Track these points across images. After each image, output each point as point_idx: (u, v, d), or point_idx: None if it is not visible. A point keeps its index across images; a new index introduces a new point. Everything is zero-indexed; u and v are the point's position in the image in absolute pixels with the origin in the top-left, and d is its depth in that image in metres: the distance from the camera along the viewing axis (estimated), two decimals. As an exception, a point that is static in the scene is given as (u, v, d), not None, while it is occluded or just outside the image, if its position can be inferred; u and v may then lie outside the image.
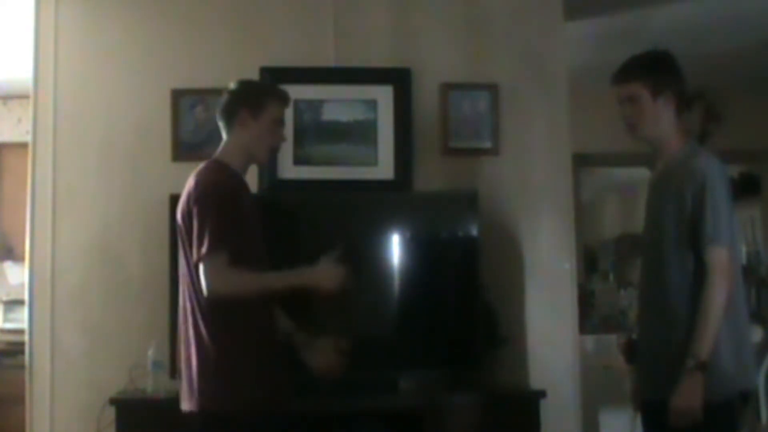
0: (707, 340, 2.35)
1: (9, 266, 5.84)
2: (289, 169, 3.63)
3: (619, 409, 4.69)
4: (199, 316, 2.47)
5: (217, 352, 2.44)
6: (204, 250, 2.40)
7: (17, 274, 5.49)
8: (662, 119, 2.59)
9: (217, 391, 2.44)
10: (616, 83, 2.64)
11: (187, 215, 2.51)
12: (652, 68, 2.62)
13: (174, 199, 3.40)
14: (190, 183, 2.56)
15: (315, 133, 3.67)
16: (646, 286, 2.70)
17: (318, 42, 3.77)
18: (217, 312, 2.45)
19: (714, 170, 2.48)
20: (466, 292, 3.48)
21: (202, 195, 2.48)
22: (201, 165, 2.62)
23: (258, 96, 2.65)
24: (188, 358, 2.50)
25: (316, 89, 3.70)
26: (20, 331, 4.09)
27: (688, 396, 2.33)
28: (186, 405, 2.51)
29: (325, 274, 2.52)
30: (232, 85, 2.69)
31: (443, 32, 3.82)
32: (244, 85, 2.70)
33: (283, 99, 2.71)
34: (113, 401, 3.28)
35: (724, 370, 2.38)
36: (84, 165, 3.66)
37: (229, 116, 2.62)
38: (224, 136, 2.66)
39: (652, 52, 2.67)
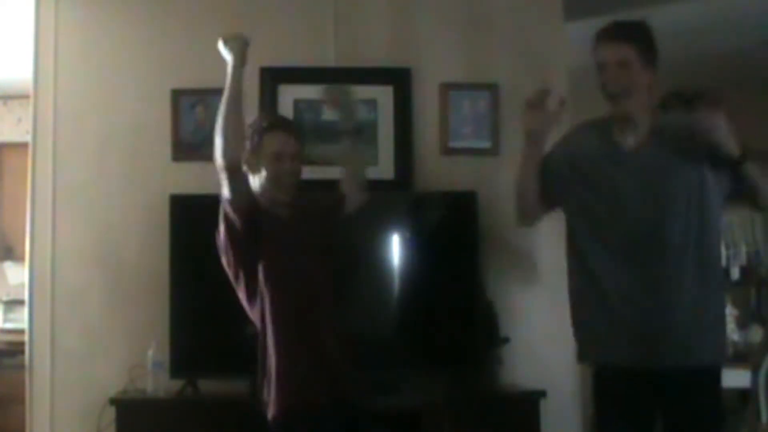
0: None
1: (9, 266, 5.85)
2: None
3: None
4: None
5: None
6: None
7: (17, 274, 5.49)
8: (649, 92, 2.47)
9: None
10: (606, 42, 2.43)
11: None
12: (645, 35, 2.46)
13: (174, 199, 3.43)
14: None
15: (315, 133, 3.67)
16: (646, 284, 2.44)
17: (318, 42, 3.77)
18: None
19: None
20: (466, 292, 3.49)
21: None
22: None
23: (252, 134, 2.62)
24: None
25: (316, 89, 3.69)
26: (20, 331, 4.09)
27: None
28: None
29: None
30: None
31: (443, 32, 3.82)
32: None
33: (264, 129, 2.64)
34: (113, 401, 3.28)
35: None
36: (84, 165, 3.66)
37: None
38: None
39: (638, 21, 2.50)
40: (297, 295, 2.56)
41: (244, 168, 2.58)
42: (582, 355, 2.60)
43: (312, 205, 2.74)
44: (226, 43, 2.60)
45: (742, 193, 2.45)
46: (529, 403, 3.36)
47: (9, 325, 5.61)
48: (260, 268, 2.54)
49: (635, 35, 2.42)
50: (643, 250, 2.40)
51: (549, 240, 3.78)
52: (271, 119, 2.76)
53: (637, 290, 2.40)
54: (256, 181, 2.62)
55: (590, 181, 2.51)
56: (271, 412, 2.51)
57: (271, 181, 2.60)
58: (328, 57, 3.76)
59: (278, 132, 2.63)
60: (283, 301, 2.54)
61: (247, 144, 2.58)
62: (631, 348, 2.40)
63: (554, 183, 2.60)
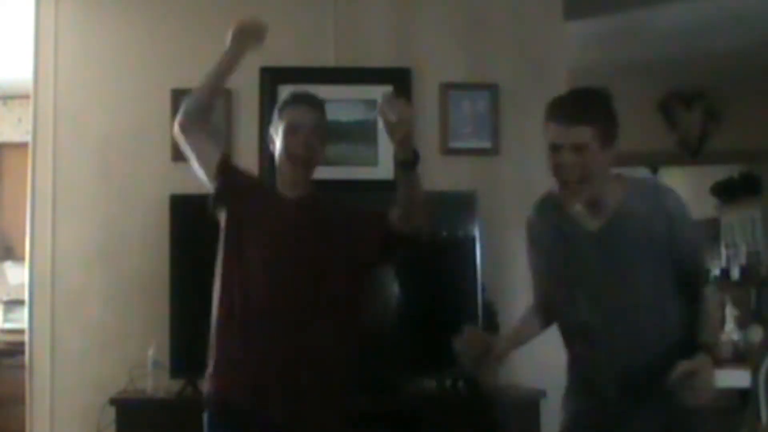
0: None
1: (9, 266, 5.85)
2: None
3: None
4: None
5: None
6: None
7: (17, 274, 5.49)
8: (606, 173, 2.19)
9: None
10: (560, 123, 2.13)
11: None
12: (606, 113, 2.17)
13: (174, 199, 3.43)
14: None
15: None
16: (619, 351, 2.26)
17: (318, 42, 3.77)
18: None
19: (685, 206, 2.26)
20: (466, 292, 3.48)
21: None
22: None
23: (275, 111, 2.59)
24: None
25: (315, 89, 3.67)
26: (20, 331, 4.09)
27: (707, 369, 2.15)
28: None
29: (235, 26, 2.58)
30: None
31: (443, 32, 3.82)
32: None
33: (285, 103, 2.57)
34: (113, 401, 3.28)
35: None
36: (84, 165, 3.66)
37: None
38: None
39: (599, 90, 2.22)
40: (264, 286, 2.38)
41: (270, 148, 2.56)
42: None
43: (339, 205, 2.55)
44: (241, 33, 2.59)
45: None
46: (529, 403, 3.36)
47: (9, 325, 5.61)
48: (236, 235, 2.42)
49: (598, 114, 2.14)
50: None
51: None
52: (292, 94, 2.63)
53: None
54: (278, 158, 2.51)
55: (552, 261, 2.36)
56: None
57: (283, 155, 2.48)
58: (328, 57, 3.76)
59: (295, 105, 2.54)
60: (246, 284, 2.39)
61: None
62: None
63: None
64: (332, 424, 2.42)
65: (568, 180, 2.16)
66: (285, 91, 3.66)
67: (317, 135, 2.52)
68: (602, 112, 2.16)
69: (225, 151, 2.68)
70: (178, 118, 2.55)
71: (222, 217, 2.49)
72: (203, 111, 2.56)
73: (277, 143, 2.51)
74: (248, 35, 2.60)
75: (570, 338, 2.41)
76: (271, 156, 2.61)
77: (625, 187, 2.24)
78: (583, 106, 2.15)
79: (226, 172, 2.50)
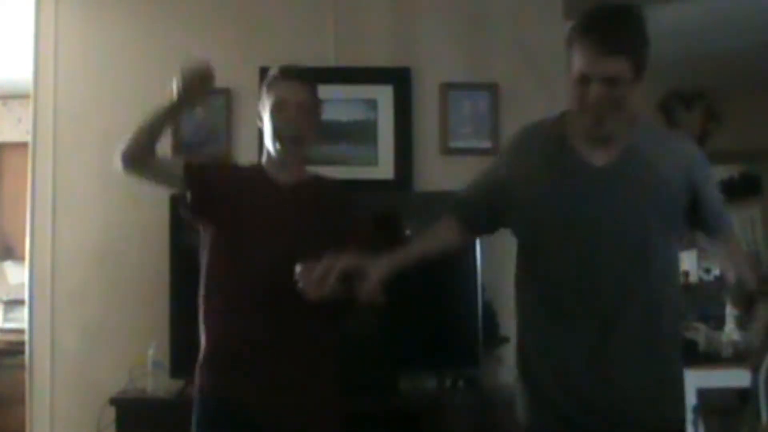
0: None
1: (9, 266, 5.86)
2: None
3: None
4: None
5: None
6: None
7: (17, 274, 5.50)
8: (635, 107, 2.00)
9: None
10: (593, 50, 1.90)
11: None
12: (643, 38, 1.95)
13: (174, 199, 3.42)
14: None
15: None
16: (613, 301, 2.00)
17: (318, 42, 3.77)
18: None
19: (699, 149, 2.15)
20: (466, 292, 3.48)
21: None
22: None
23: (262, 87, 2.46)
24: None
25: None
26: (20, 331, 4.09)
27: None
28: None
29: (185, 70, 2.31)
30: None
31: (443, 32, 3.82)
32: None
33: (273, 78, 2.42)
34: (113, 401, 3.28)
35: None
36: (84, 165, 3.66)
37: None
38: None
39: (633, 8, 1.97)
40: (249, 276, 2.30)
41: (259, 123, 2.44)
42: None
43: (334, 193, 2.44)
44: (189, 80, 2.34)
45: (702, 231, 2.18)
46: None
47: (9, 325, 5.62)
48: (217, 220, 2.35)
49: (635, 41, 1.93)
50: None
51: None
52: (279, 68, 2.45)
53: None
54: (266, 137, 2.41)
55: (549, 204, 2.04)
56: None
57: (271, 134, 2.37)
58: (328, 57, 3.76)
59: (282, 80, 2.40)
60: (228, 266, 2.33)
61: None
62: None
63: (505, 202, 2.12)
64: (319, 414, 2.36)
65: (597, 115, 1.93)
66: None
67: (306, 111, 2.39)
68: (639, 37, 1.93)
69: (186, 161, 2.47)
70: (118, 156, 2.37)
71: (203, 223, 2.41)
72: (144, 153, 2.37)
73: (265, 121, 2.41)
74: (196, 81, 2.35)
75: (537, 305, 2.08)
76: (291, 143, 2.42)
77: (637, 123, 2.05)
78: (620, 31, 1.91)
79: (194, 183, 2.38)
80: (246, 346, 2.32)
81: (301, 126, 2.38)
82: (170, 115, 2.40)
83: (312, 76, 2.46)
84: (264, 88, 2.44)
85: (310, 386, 2.35)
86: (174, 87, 2.36)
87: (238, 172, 2.53)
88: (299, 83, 2.40)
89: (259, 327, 2.31)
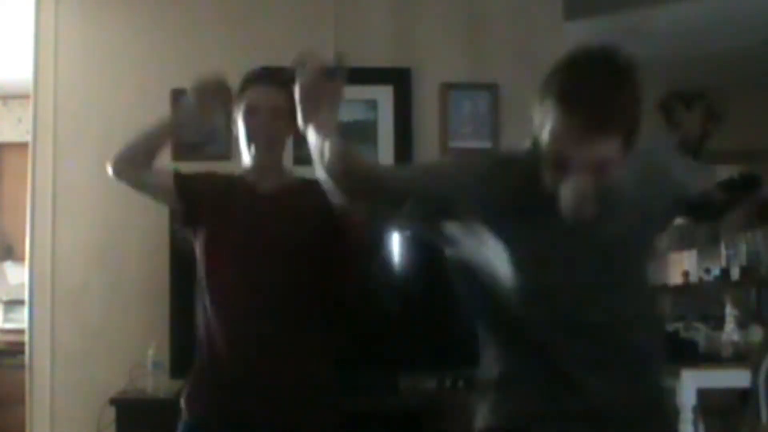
0: None
1: (9, 266, 5.85)
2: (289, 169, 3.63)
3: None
4: None
5: None
6: None
7: (17, 274, 5.50)
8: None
9: None
10: (577, 129, 1.49)
11: None
12: (638, 101, 1.55)
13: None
14: None
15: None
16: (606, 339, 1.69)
17: (318, 42, 3.77)
18: None
19: (671, 151, 1.95)
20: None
21: None
22: None
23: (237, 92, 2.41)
24: None
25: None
26: (20, 331, 4.10)
27: None
28: None
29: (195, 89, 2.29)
30: None
31: (443, 32, 3.82)
32: None
33: (245, 82, 2.37)
34: (113, 401, 3.28)
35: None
36: (84, 165, 3.66)
37: None
38: None
39: (626, 65, 1.59)
40: (236, 281, 2.27)
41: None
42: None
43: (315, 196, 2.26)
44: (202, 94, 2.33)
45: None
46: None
47: (9, 325, 5.62)
48: (204, 231, 2.31)
49: (626, 113, 1.54)
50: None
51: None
52: (253, 71, 2.41)
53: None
54: (241, 143, 2.36)
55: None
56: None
57: (245, 140, 2.33)
58: (328, 57, 3.75)
59: (255, 85, 2.35)
60: (217, 276, 2.29)
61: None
62: None
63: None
64: (313, 416, 2.33)
65: (582, 204, 1.54)
66: (285, 91, 3.70)
67: (280, 116, 2.31)
68: (636, 102, 1.53)
69: (174, 170, 2.46)
70: (110, 165, 2.38)
71: (193, 233, 2.38)
72: (138, 169, 2.39)
73: (239, 126, 2.36)
74: (210, 96, 2.34)
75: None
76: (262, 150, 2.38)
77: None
78: (615, 101, 1.49)
79: (184, 193, 2.37)
80: (240, 353, 2.28)
81: (274, 131, 2.33)
82: (170, 132, 2.44)
83: (288, 79, 2.31)
84: (237, 92, 2.38)
85: (305, 388, 2.32)
86: (186, 102, 2.36)
87: (222, 182, 2.44)
88: (273, 87, 2.34)
89: (252, 337, 2.26)
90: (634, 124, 1.54)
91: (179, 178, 2.40)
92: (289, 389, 2.29)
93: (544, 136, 1.60)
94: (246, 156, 2.37)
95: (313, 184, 2.17)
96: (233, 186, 2.40)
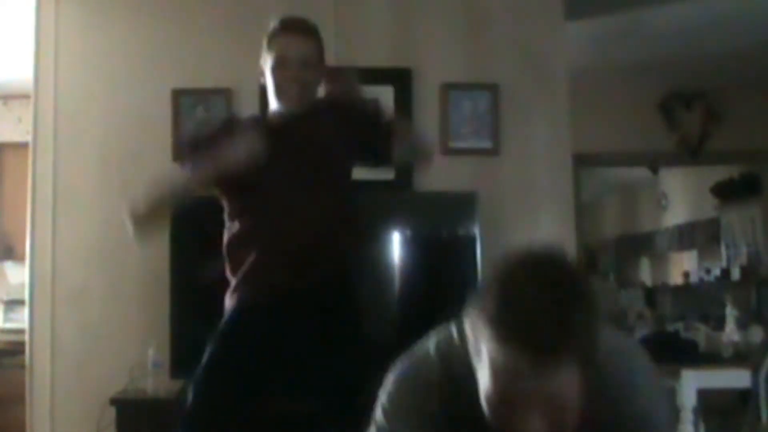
0: None
1: (9, 266, 5.85)
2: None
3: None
4: None
5: None
6: None
7: (17, 274, 5.49)
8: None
9: None
10: (526, 363, 1.21)
11: None
12: (589, 331, 1.27)
13: (174, 199, 3.42)
14: None
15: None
16: None
17: (318, 42, 3.77)
18: None
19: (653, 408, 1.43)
20: (466, 293, 3.48)
21: None
22: None
23: (264, 41, 2.42)
24: None
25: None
26: (20, 331, 4.09)
27: None
28: None
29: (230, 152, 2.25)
30: None
31: (443, 32, 3.82)
32: None
33: (273, 32, 2.39)
34: (113, 401, 3.28)
35: None
36: (84, 165, 3.66)
37: None
38: None
39: (576, 282, 1.28)
40: (273, 198, 2.34)
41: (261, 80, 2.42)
42: None
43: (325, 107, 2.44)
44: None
45: None
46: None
47: (9, 325, 5.60)
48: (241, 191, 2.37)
49: (576, 347, 1.25)
50: None
51: (549, 240, 3.78)
52: (281, 20, 2.42)
53: None
54: (269, 93, 2.40)
55: None
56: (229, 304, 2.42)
57: (275, 91, 2.36)
58: (328, 57, 3.75)
59: (284, 35, 2.36)
60: (256, 201, 2.36)
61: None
62: None
63: None
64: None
65: None
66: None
67: (310, 66, 2.36)
68: (587, 334, 1.25)
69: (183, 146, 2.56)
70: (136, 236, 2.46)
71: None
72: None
73: (267, 77, 2.37)
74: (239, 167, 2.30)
75: None
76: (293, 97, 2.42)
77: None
78: (561, 337, 1.21)
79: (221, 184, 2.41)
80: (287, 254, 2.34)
81: (305, 82, 2.36)
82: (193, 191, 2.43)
83: (314, 28, 2.41)
84: (264, 44, 2.39)
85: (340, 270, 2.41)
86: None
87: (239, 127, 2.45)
88: (302, 36, 2.37)
89: (296, 225, 2.32)
90: (589, 352, 1.25)
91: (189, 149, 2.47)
92: (329, 271, 2.36)
93: (482, 372, 1.29)
94: (275, 106, 2.39)
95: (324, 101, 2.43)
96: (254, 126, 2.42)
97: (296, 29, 2.37)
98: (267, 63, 2.37)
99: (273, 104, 2.41)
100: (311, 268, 2.34)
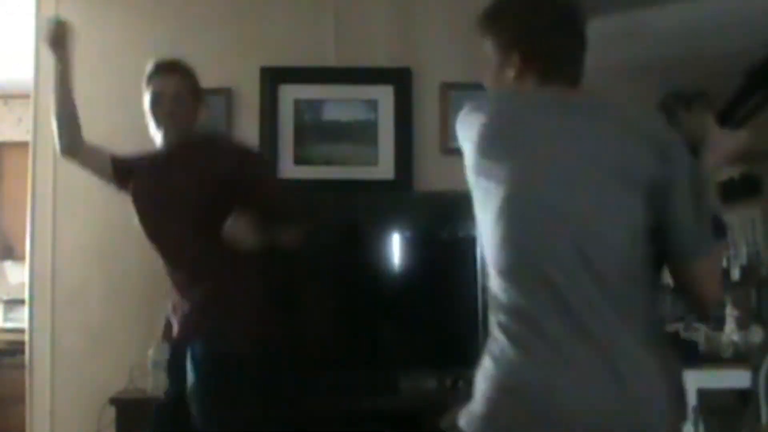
0: None
1: (9, 266, 5.86)
2: (289, 170, 3.63)
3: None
4: None
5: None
6: None
7: (17, 274, 5.50)
8: None
9: None
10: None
11: None
12: None
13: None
14: None
15: (315, 133, 3.67)
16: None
17: (318, 42, 3.77)
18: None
19: None
20: (466, 292, 3.48)
21: None
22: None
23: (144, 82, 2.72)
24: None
25: (316, 89, 3.70)
26: (20, 331, 4.09)
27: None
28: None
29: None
30: None
31: (443, 32, 3.82)
32: None
33: (149, 73, 2.69)
34: (113, 401, 3.28)
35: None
36: (84, 165, 3.66)
37: None
38: None
39: None
40: (160, 244, 2.70)
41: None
42: None
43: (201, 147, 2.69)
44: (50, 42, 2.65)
45: None
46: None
47: (9, 325, 5.62)
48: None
49: None
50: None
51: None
52: (154, 63, 2.72)
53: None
54: (150, 131, 2.68)
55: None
56: None
57: (154, 127, 2.64)
58: (328, 57, 3.76)
59: (157, 76, 2.64)
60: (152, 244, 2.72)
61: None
62: None
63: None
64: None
65: None
66: (286, 91, 3.70)
67: (181, 100, 2.62)
68: None
69: (111, 157, 2.87)
70: (58, 147, 2.79)
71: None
72: (69, 126, 2.75)
73: (147, 114, 2.64)
74: (56, 40, 2.65)
75: None
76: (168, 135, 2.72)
77: None
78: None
79: (121, 176, 2.78)
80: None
81: (179, 117, 2.63)
82: (61, 75, 2.70)
83: (185, 66, 2.69)
84: (143, 85, 2.67)
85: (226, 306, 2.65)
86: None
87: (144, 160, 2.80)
88: (171, 75, 2.63)
89: (185, 284, 2.67)
90: None
91: (115, 164, 2.84)
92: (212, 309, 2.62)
93: None
94: (157, 140, 2.66)
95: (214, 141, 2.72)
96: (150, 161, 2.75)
97: (167, 69, 2.66)
98: (146, 102, 2.65)
99: (156, 139, 2.67)
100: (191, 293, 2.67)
